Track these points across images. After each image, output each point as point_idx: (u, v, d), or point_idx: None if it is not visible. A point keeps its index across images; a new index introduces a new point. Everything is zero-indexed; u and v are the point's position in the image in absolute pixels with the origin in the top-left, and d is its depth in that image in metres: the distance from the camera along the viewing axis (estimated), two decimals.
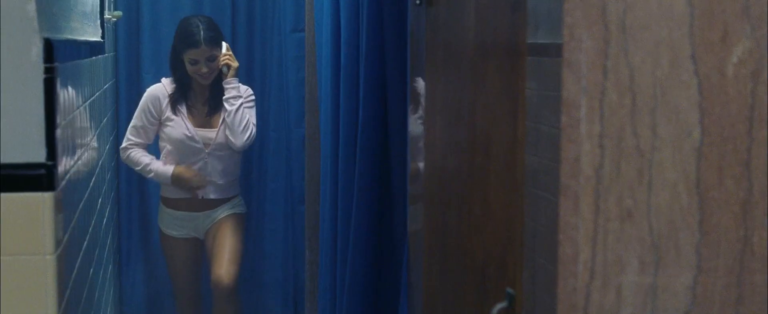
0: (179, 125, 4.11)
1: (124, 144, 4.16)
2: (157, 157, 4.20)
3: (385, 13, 3.00)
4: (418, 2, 2.47)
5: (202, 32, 4.05)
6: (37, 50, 1.57)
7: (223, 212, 4.24)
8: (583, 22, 1.44)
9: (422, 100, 2.53)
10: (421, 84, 2.56)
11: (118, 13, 4.11)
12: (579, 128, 1.45)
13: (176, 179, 4.13)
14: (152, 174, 4.14)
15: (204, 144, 4.12)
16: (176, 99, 4.13)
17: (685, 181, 1.47)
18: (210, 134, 4.13)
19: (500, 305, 1.82)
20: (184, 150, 4.13)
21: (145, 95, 4.19)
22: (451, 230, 2.24)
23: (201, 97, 4.16)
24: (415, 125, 2.71)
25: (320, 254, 3.91)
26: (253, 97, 4.24)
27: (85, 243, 2.28)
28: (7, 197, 1.57)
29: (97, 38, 2.90)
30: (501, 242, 1.89)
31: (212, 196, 4.20)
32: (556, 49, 1.48)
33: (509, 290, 1.81)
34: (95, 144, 2.75)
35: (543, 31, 1.56)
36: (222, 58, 4.10)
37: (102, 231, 3.10)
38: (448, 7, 2.25)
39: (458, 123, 2.19)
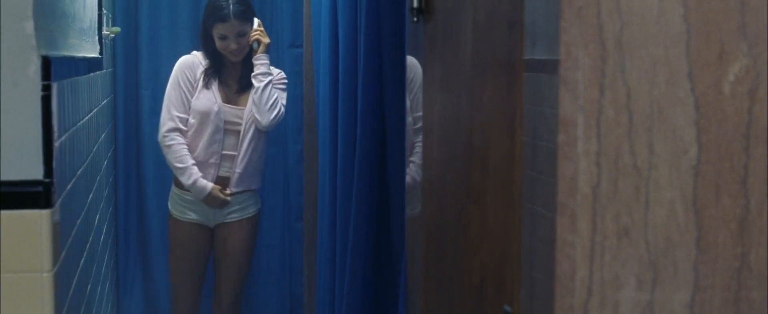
0: (208, 99, 3.93)
1: (170, 124, 3.92)
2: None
3: (383, 29, 3.01)
4: (415, 19, 2.48)
5: (231, 6, 3.89)
6: (34, 68, 1.57)
7: (236, 212, 4.06)
8: (579, 39, 1.44)
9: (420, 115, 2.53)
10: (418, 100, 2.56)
11: (117, 29, 4.11)
12: (576, 146, 1.46)
13: (210, 198, 3.95)
14: (190, 182, 3.91)
15: (228, 122, 3.95)
16: (210, 74, 3.96)
17: (682, 199, 1.47)
18: (238, 112, 3.97)
19: None
20: (208, 128, 3.93)
21: (177, 65, 4.00)
22: (449, 247, 2.24)
23: (234, 74, 4.00)
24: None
25: (318, 270, 3.90)
26: (285, 80, 4.09)
27: (83, 259, 2.28)
28: (5, 214, 1.57)
29: (95, 54, 2.90)
30: (498, 259, 1.89)
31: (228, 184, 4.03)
32: (552, 66, 1.48)
33: (506, 308, 1.80)
34: (93, 160, 2.75)
35: (540, 48, 1.57)
36: (252, 34, 3.94)
37: (100, 248, 3.10)
38: (445, 23, 2.25)
39: (455, 139, 2.19)
